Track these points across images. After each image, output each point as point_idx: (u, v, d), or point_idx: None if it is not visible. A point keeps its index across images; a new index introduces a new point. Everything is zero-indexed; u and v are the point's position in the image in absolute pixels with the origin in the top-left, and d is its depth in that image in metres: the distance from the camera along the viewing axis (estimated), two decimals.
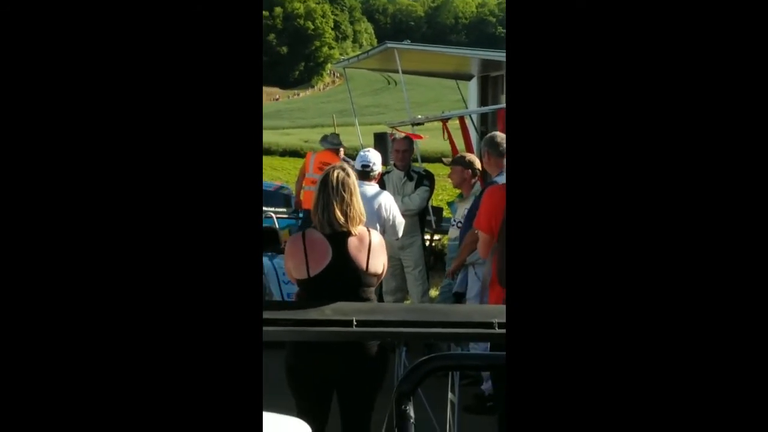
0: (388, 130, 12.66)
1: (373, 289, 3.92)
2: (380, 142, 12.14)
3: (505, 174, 5.10)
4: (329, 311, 3.57)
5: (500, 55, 12.71)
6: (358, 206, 3.85)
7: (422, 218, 7.81)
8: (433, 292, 8.47)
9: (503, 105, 10.70)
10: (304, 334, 3.54)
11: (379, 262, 3.87)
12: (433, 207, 10.08)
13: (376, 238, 3.91)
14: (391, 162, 8.09)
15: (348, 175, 3.88)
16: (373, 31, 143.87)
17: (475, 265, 5.74)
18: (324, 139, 10.27)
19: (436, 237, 11.58)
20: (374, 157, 6.33)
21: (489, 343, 4.01)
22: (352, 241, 3.81)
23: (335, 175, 3.85)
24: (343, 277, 3.79)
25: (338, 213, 3.78)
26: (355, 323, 3.51)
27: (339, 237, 3.81)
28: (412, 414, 2.14)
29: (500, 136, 5.56)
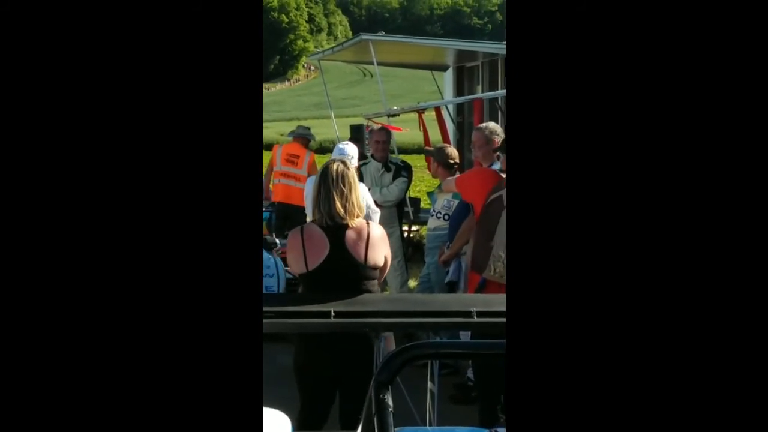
0: (365, 122, 12.65)
1: (374, 282, 3.91)
2: (356, 133, 12.12)
3: (498, 164, 5.05)
4: (308, 303, 3.57)
5: (475, 46, 12.70)
6: (357, 199, 3.85)
7: (400, 209, 7.81)
8: (412, 283, 8.47)
9: (478, 95, 10.69)
10: (282, 326, 3.54)
11: (379, 255, 3.86)
12: (410, 198, 10.08)
13: (377, 230, 3.89)
14: (369, 153, 8.08)
15: (348, 168, 3.89)
16: (348, 24, 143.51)
17: None
18: (292, 132, 10.24)
19: (414, 228, 11.58)
20: (352, 150, 6.31)
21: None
22: (349, 234, 3.81)
23: (335, 167, 3.85)
24: (341, 269, 3.79)
25: (338, 206, 3.78)
26: (333, 314, 3.51)
27: (337, 230, 3.81)
28: (390, 403, 2.14)
29: (492, 127, 5.57)
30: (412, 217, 10.47)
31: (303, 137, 9.86)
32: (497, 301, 3.86)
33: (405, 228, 9.36)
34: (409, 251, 10.14)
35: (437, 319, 3.63)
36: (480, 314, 3.53)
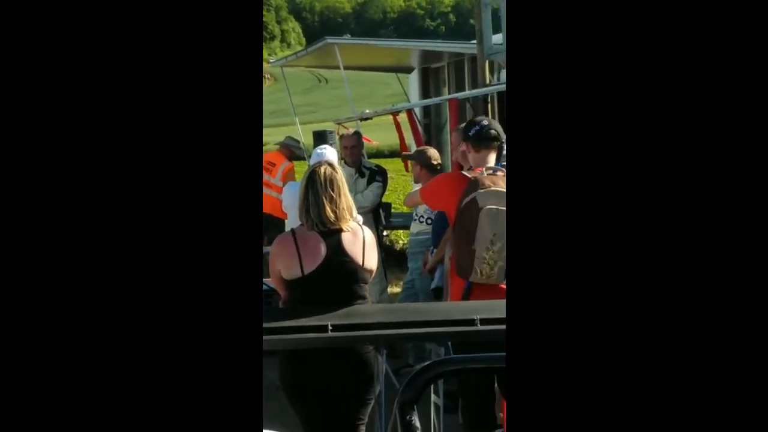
0: (333, 128, 12.51)
1: (367, 286, 3.78)
2: (320, 140, 11.95)
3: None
4: (301, 317, 3.40)
5: (442, 46, 12.61)
6: (347, 202, 3.70)
7: (376, 215, 7.68)
8: (391, 289, 8.34)
9: (451, 96, 10.57)
10: (276, 342, 3.36)
11: (373, 258, 3.75)
12: (382, 203, 9.95)
13: (369, 234, 3.78)
14: (341, 159, 7.93)
15: (335, 170, 3.73)
16: (300, 30, 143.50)
17: None
18: (280, 141, 10.02)
19: (384, 233, 11.46)
20: (331, 155, 6.14)
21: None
22: (346, 237, 3.67)
23: (323, 171, 3.69)
24: (340, 272, 3.65)
25: (328, 211, 3.63)
26: (330, 328, 3.36)
27: (332, 234, 3.66)
28: (418, 424, 2.01)
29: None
30: (384, 222, 10.33)
31: (286, 147, 9.60)
32: (500, 308, 3.72)
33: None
34: (383, 256, 10.01)
35: (440, 328, 3.50)
36: (484, 321, 3.41)
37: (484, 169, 4.30)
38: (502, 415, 4.27)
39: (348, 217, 3.69)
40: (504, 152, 4.62)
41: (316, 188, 3.64)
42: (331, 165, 3.76)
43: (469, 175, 4.28)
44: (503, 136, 4.52)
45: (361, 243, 3.69)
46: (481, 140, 4.41)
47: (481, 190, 4.09)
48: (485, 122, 4.56)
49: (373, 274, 3.85)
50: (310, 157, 7.04)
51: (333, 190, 3.65)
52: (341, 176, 3.75)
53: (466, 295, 4.19)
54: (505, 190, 4.10)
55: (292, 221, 5.66)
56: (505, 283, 4.09)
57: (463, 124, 5.66)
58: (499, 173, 4.25)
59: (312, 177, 3.68)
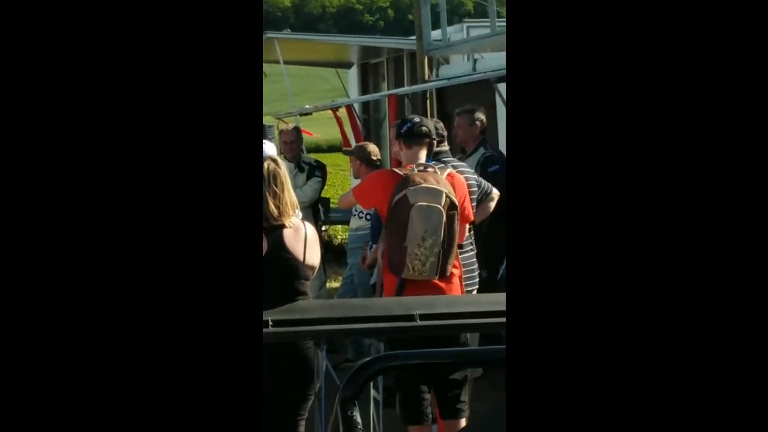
0: (272, 122, 12.45)
1: (308, 282, 3.80)
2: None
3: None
4: None
5: (379, 42, 12.62)
6: (291, 198, 3.71)
7: (315, 210, 7.70)
8: (330, 284, 8.36)
9: (390, 91, 10.60)
10: None
11: (315, 255, 3.77)
12: (321, 198, 9.96)
13: (311, 230, 3.79)
14: (280, 154, 7.93)
15: (279, 166, 3.73)
16: None
17: None
18: None
19: (323, 228, 11.45)
20: (269, 149, 6.12)
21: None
22: (287, 233, 3.67)
23: (266, 166, 3.68)
24: (281, 268, 3.64)
25: (272, 207, 3.63)
26: (270, 323, 3.36)
27: (274, 229, 3.65)
28: (359, 420, 2.02)
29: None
30: (323, 217, 10.33)
31: None
32: (440, 303, 3.77)
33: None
34: (322, 252, 9.99)
35: (380, 324, 3.52)
36: (423, 317, 3.44)
37: (414, 165, 4.36)
38: (437, 409, 4.32)
39: (291, 212, 3.69)
40: (434, 149, 4.70)
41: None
42: (274, 160, 3.76)
43: (400, 173, 4.34)
44: (434, 133, 4.61)
45: (303, 239, 3.69)
46: (412, 137, 4.49)
47: (412, 187, 4.15)
48: (416, 120, 4.67)
49: (315, 271, 3.84)
50: None
51: (276, 186, 3.65)
52: (284, 172, 3.74)
53: (400, 291, 4.24)
54: (435, 186, 4.16)
55: None
56: (437, 278, 4.16)
57: (396, 122, 5.71)
58: (429, 169, 4.32)
59: None
